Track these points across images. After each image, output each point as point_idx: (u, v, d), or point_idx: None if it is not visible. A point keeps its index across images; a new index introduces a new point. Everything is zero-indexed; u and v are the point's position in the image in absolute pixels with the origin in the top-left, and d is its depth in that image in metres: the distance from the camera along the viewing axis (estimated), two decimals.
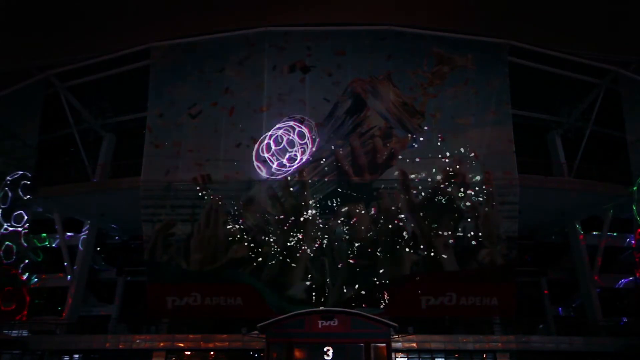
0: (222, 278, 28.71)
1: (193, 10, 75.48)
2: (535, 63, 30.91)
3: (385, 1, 71.40)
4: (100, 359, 29.69)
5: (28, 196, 32.03)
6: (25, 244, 32.20)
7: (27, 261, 32.08)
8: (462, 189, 28.60)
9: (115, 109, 33.27)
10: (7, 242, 31.75)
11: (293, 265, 28.53)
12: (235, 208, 29.05)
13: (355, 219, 28.68)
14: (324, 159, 29.09)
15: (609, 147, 33.89)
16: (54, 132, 34.18)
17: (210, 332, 28.66)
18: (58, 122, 33.26)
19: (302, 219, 28.70)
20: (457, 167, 28.74)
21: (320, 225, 28.75)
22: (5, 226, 32.02)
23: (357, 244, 28.62)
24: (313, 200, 28.79)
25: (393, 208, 28.57)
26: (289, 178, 28.87)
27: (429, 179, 28.60)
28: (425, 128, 29.29)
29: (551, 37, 61.01)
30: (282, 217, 28.81)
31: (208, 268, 28.82)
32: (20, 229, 32.03)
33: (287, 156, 28.53)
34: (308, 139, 28.71)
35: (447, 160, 28.85)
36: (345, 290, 28.38)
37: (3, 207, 32.16)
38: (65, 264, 32.63)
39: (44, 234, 35.36)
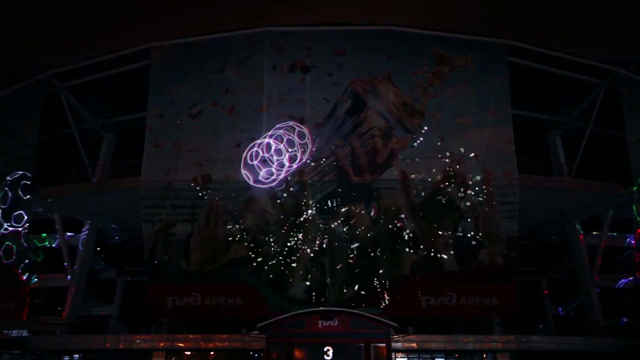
0: (222, 278, 28.71)
1: (193, 10, 75.53)
2: (535, 63, 30.91)
3: (385, 1, 71.45)
4: (100, 359, 29.68)
5: (28, 196, 32.04)
6: (25, 244, 32.21)
7: (27, 261, 32.11)
8: (462, 189, 28.60)
9: (115, 109, 33.27)
10: (7, 242, 31.77)
11: (293, 265, 28.53)
12: (235, 208, 29.04)
13: (355, 219, 28.67)
14: (324, 159, 29.08)
15: (609, 147, 33.89)
16: (54, 132, 34.18)
17: (210, 332, 28.65)
18: (58, 122, 33.26)
19: (302, 219, 28.71)
20: (457, 167, 28.74)
21: (320, 226, 28.75)
22: (5, 226, 32.03)
23: (357, 244, 28.61)
24: (313, 200, 28.79)
25: (393, 208, 28.56)
26: (289, 178, 28.85)
27: (429, 179, 28.60)
28: (425, 128, 29.29)
29: (551, 37, 61.05)
30: (282, 217, 28.80)
31: (208, 268, 28.82)
32: (20, 229, 32.03)
33: (275, 164, 28.39)
34: (297, 147, 28.59)
35: (447, 160, 28.85)
36: (345, 290, 28.37)
37: (3, 207, 32.17)
38: (65, 264, 32.62)
39: (44, 234, 35.39)
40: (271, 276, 28.50)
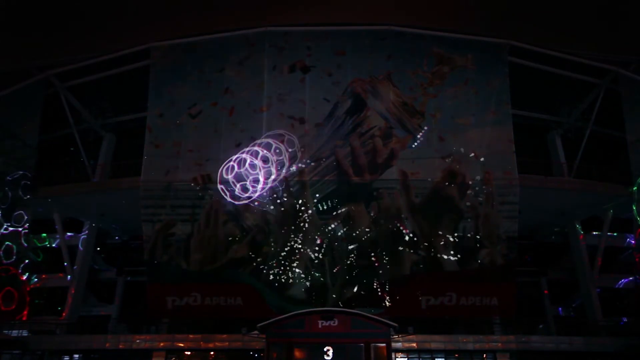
0: (222, 278, 28.71)
1: (193, 10, 75.45)
2: (535, 63, 30.91)
3: (385, 1, 71.36)
4: (100, 359, 29.69)
5: (28, 196, 32.03)
6: (25, 244, 32.20)
7: (27, 261, 32.09)
8: (462, 189, 28.58)
9: (115, 109, 33.27)
10: (7, 242, 31.75)
11: (293, 265, 28.54)
12: (235, 208, 29.03)
13: (355, 219, 28.65)
14: (324, 159, 29.07)
15: (609, 147, 33.90)
16: (54, 132, 34.18)
17: (210, 332, 28.65)
18: (58, 122, 33.26)
19: (302, 219, 28.70)
20: (457, 167, 28.73)
21: (321, 226, 28.73)
22: (5, 226, 32.02)
23: (357, 244, 28.61)
24: (313, 200, 28.77)
25: (393, 208, 28.55)
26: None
27: (429, 179, 28.59)
28: (425, 128, 29.30)
29: (551, 37, 60.96)
30: (282, 216, 28.78)
31: (208, 268, 28.82)
32: (20, 229, 32.03)
33: (250, 179, 28.32)
34: (272, 163, 28.51)
35: (447, 160, 28.84)
36: (345, 290, 28.39)
37: (3, 207, 32.15)
38: (65, 264, 32.64)
39: (44, 234, 35.37)
40: (271, 276, 28.51)
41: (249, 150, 28.95)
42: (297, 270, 28.55)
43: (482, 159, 28.93)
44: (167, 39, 31.58)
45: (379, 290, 28.31)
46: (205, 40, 31.07)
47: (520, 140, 29.70)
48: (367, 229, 28.59)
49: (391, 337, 24.33)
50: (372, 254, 28.49)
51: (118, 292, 33.85)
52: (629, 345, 27.40)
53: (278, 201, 28.85)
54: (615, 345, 27.82)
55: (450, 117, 29.48)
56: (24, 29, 74.37)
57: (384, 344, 23.74)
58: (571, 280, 33.12)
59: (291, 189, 28.89)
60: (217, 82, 30.34)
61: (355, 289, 28.40)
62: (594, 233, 33.11)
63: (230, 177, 28.65)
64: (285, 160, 28.58)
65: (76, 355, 29.87)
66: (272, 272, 28.54)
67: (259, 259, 28.70)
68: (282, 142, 28.94)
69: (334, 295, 28.30)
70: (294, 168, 28.68)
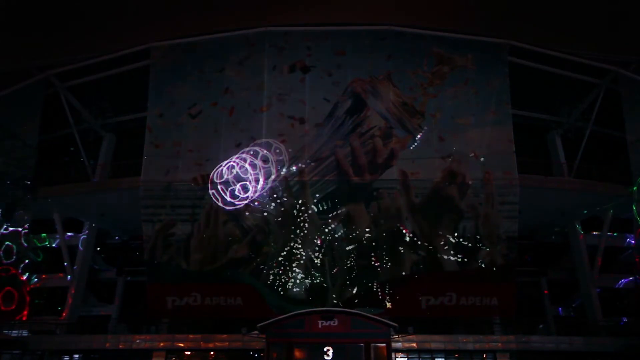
0: (222, 278, 28.72)
1: (193, 10, 75.46)
2: (535, 63, 30.92)
3: (385, 1, 71.38)
4: (100, 359, 29.69)
5: (28, 196, 32.02)
6: (25, 244, 32.23)
7: (27, 261, 32.12)
8: (462, 189, 28.58)
9: (115, 109, 33.24)
10: (7, 242, 31.76)
11: (293, 265, 28.54)
12: (235, 208, 29.01)
13: (355, 219, 28.65)
14: (324, 159, 29.05)
15: (609, 147, 33.89)
16: (54, 132, 34.17)
17: (210, 332, 28.66)
18: (58, 122, 33.26)
19: (302, 219, 28.69)
20: (457, 167, 28.72)
21: (321, 226, 28.73)
22: (5, 226, 32.01)
23: (357, 244, 28.60)
24: (313, 200, 28.77)
25: (393, 208, 28.55)
26: (289, 179, 28.82)
27: (429, 179, 28.57)
28: (425, 128, 29.30)
29: (551, 37, 61.00)
30: (282, 216, 28.78)
31: (208, 268, 28.83)
32: (20, 229, 32.03)
33: (238, 185, 28.26)
34: (260, 170, 28.47)
35: (447, 160, 28.84)
36: (345, 290, 28.39)
37: (3, 207, 32.12)
38: (65, 264, 32.66)
39: (44, 234, 35.35)
40: (271, 276, 28.52)
41: (238, 157, 28.85)
42: (297, 270, 28.56)
43: (482, 159, 28.94)
44: (167, 39, 31.58)
45: (379, 290, 28.33)
46: (205, 40, 31.07)
47: (520, 140, 29.70)
48: (367, 229, 28.58)
49: (391, 337, 24.33)
50: (372, 254, 28.49)
51: (118, 292, 33.84)
52: (629, 345, 27.40)
53: (278, 201, 28.84)
54: (615, 345, 27.83)
55: (450, 117, 29.48)
56: (24, 29, 74.42)
57: (384, 344, 23.75)
58: (571, 280, 33.13)
59: (291, 189, 28.87)
60: (217, 82, 30.33)
61: (355, 289, 28.41)
62: (594, 233, 33.10)
63: (218, 182, 28.60)
64: (272, 169, 28.53)
65: (76, 355, 29.88)
66: (272, 272, 28.55)
67: (259, 259, 28.71)
68: (270, 150, 28.84)
69: (334, 295, 28.30)
70: (284, 171, 28.55)
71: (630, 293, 32.13)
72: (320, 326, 23.87)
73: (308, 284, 28.47)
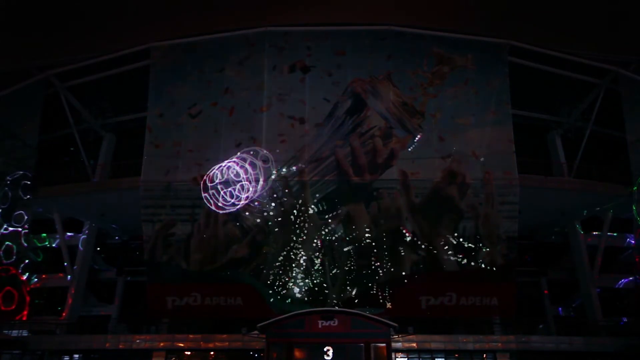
0: (222, 278, 28.72)
1: (193, 10, 75.48)
2: (535, 63, 30.91)
3: (385, 1, 71.39)
4: (100, 359, 29.69)
5: (28, 196, 32.03)
6: (25, 244, 32.18)
7: (27, 261, 32.07)
8: (462, 189, 28.57)
9: (115, 109, 33.26)
10: (7, 242, 31.76)
11: (293, 265, 28.54)
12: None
13: (355, 219, 28.65)
14: (324, 159, 29.04)
15: (609, 147, 33.90)
16: (54, 132, 34.18)
17: (210, 332, 28.68)
18: (58, 122, 33.26)
19: (302, 219, 28.69)
20: (457, 167, 28.72)
21: (321, 226, 28.73)
22: (5, 226, 32.03)
23: (357, 244, 28.60)
24: (313, 200, 28.77)
25: (393, 208, 28.54)
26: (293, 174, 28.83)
27: (429, 179, 28.56)
28: (425, 128, 29.28)
29: (551, 37, 61.01)
30: (282, 217, 28.78)
31: (208, 268, 28.82)
32: (20, 229, 32.02)
33: (229, 190, 28.21)
34: (251, 175, 28.43)
35: (447, 160, 28.83)
36: (345, 290, 28.39)
37: (3, 207, 32.16)
38: (65, 264, 32.64)
39: (44, 234, 35.37)
40: (271, 276, 28.51)
41: (228, 162, 28.82)
42: (297, 270, 28.55)
43: (482, 159, 28.93)
44: (167, 39, 31.57)
45: (379, 290, 28.31)
46: (205, 40, 31.07)
47: (520, 140, 29.69)
48: (367, 229, 28.57)
49: (391, 337, 24.32)
50: (372, 254, 28.47)
51: (118, 292, 33.84)
52: (629, 345, 27.40)
53: (278, 201, 28.83)
54: (615, 345, 27.83)
55: (450, 117, 29.47)
56: (24, 29, 74.45)
57: (384, 344, 23.74)
58: (571, 280, 33.13)
59: (291, 189, 28.86)
60: (217, 82, 30.33)
61: (355, 289, 28.40)
62: (594, 233, 33.09)
63: (210, 185, 28.59)
64: (260, 176, 28.47)
65: (76, 355, 29.88)
66: (272, 272, 28.54)
67: (259, 259, 28.69)
68: (257, 158, 28.79)
69: (333, 295, 28.30)
70: (272, 176, 28.48)
71: (630, 293, 32.15)
72: (320, 326, 23.86)
73: (308, 284, 28.46)
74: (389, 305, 28.10)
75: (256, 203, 28.71)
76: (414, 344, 27.22)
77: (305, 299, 28.18)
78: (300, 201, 28.75)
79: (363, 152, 28.83)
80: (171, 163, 29.58)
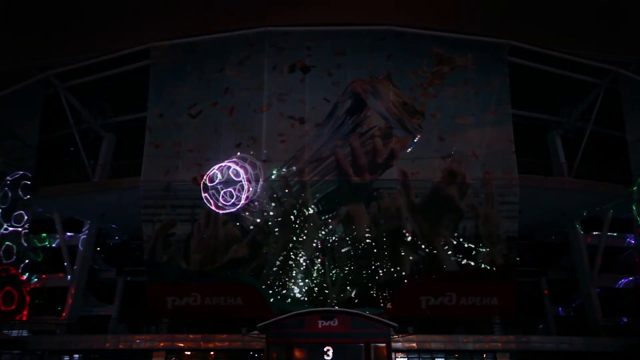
0: (222, 278, 28.72)
1: (193, 10, 75.45)
2: (535, 63, 30.91)
3: (385, 1, 71.39)
4: (100, 359, 29.70)
5: (28, 196, 32.03)
6: (25, 244, 32.18)
7: (27, 261, 32.08)
8: (462, 189, 28.57)
9: (115, 109, 33.27)
10: (7, 242, 31.76)
11: (293, 265, 28.53)
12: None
13: (355, 219, 28.64)
14: (324, 159, 29.04)
15: (609, 147, 33.89)
16: (54, 132, 34.18)
17: (210, 332, 28.68)
18: (58, 122, 33.27)
19: (302, 219, 28.69)
20: (457, 167, 28.71)
21: (320, 226, 28.72)
22: (5, 226, 32.03)
23: (357, 244, 28.60)
24: (313, 200, 28.77)
25: (393, 208, 28.54)
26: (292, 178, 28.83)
27: (429, 179, 28.56)
28: (425, 128, 29.28)
29: (551, 37, 60.95)
30: (282, 217, 28.77)
31: (208, 268, 28.83)
32: (20, 229, 32.03)
33: (229, 190, 28.14)
34: (251, 175, 28.38)
35: (447, 160, 28.83)
36: (345, 290, 28.38)
37: (3, 207, 32.16)
38: (65, 264, 32.63)
39: (44, 234, 35.37)
40: (271, 276, 28.51)
41: (228, 161, 28.74)
42: (297, 270, 28.54)
43: (482, 159, 28.92)
44: (167, 39, 31.57)
45: (379, 290, 28.30)
46: (205, 40, 31.06)
47: (520, 140, 29.69)
48: (367, 229, 28.57)
49: (391, 337, 24.32)
50: (372, 254, 28.47)
51: (118, 292, 33.82)
52: (629, 345, 27.40)
53: (278, 201, 28.82)
54: (615, 345, 27.83)
55: (450, 117, 29.46)
56: (24, 29, 74.43)
57: (384, 344, 23.74)
58: (571, 280, 33.13)
59: (291, 189, 28.85)
60: (217, 82, 30.32)
61: (355, 289, 28.39)
62: (594, 233, 33.09)
63: (209, 185, 28.51)
64: (260, 173, 28.46)
65: (76, 355, 29.89)
66: (272, 272, 28.54)
67: (259, 259, 28.69)
68: (245, 163, 28.73)
69: (333, 295, 28.30)
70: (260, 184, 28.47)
71: (630, 293, 32.16)
72: (320, 326, 23.86)
73: (308, 284, 28.45)
74: (389, 305, 28.09)
75: (256, 203, 28.72)
76: (414, 344, 27.22)
77: (305, 299, 28.18)
78: (300, 201, 28.75)
79: (363, 152, 28.82)
80: (171, 163, 29.58)
